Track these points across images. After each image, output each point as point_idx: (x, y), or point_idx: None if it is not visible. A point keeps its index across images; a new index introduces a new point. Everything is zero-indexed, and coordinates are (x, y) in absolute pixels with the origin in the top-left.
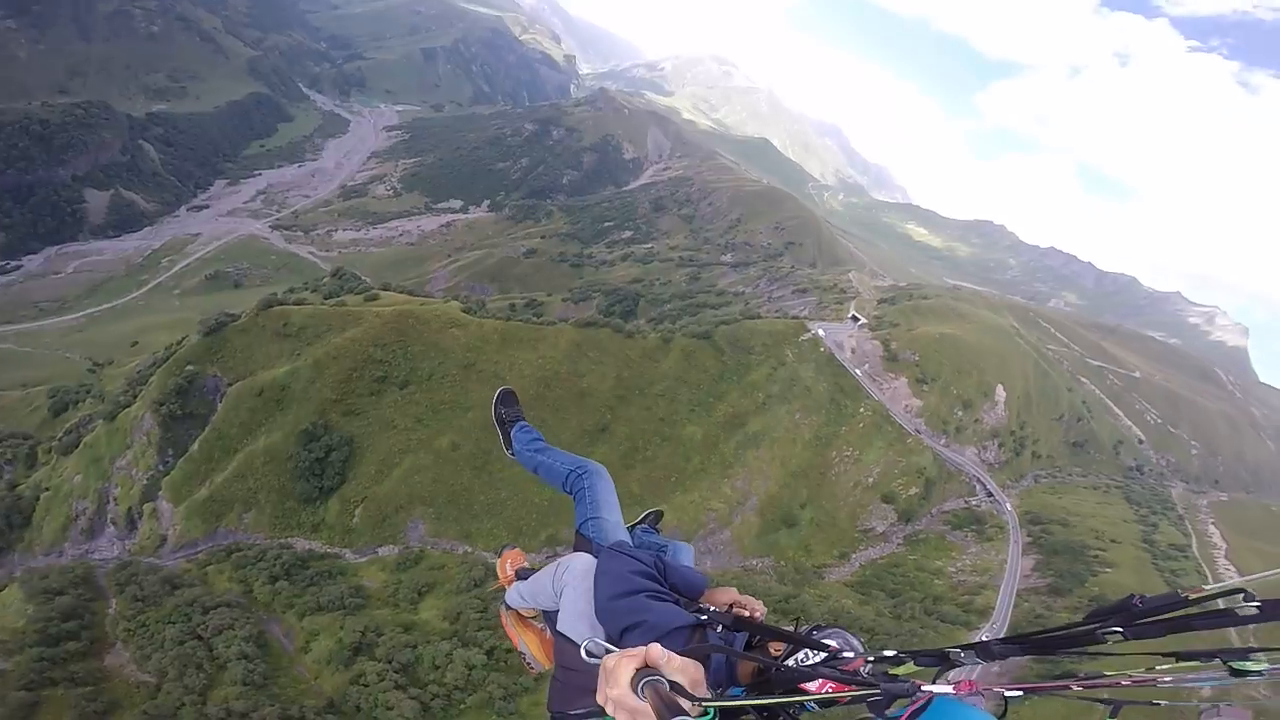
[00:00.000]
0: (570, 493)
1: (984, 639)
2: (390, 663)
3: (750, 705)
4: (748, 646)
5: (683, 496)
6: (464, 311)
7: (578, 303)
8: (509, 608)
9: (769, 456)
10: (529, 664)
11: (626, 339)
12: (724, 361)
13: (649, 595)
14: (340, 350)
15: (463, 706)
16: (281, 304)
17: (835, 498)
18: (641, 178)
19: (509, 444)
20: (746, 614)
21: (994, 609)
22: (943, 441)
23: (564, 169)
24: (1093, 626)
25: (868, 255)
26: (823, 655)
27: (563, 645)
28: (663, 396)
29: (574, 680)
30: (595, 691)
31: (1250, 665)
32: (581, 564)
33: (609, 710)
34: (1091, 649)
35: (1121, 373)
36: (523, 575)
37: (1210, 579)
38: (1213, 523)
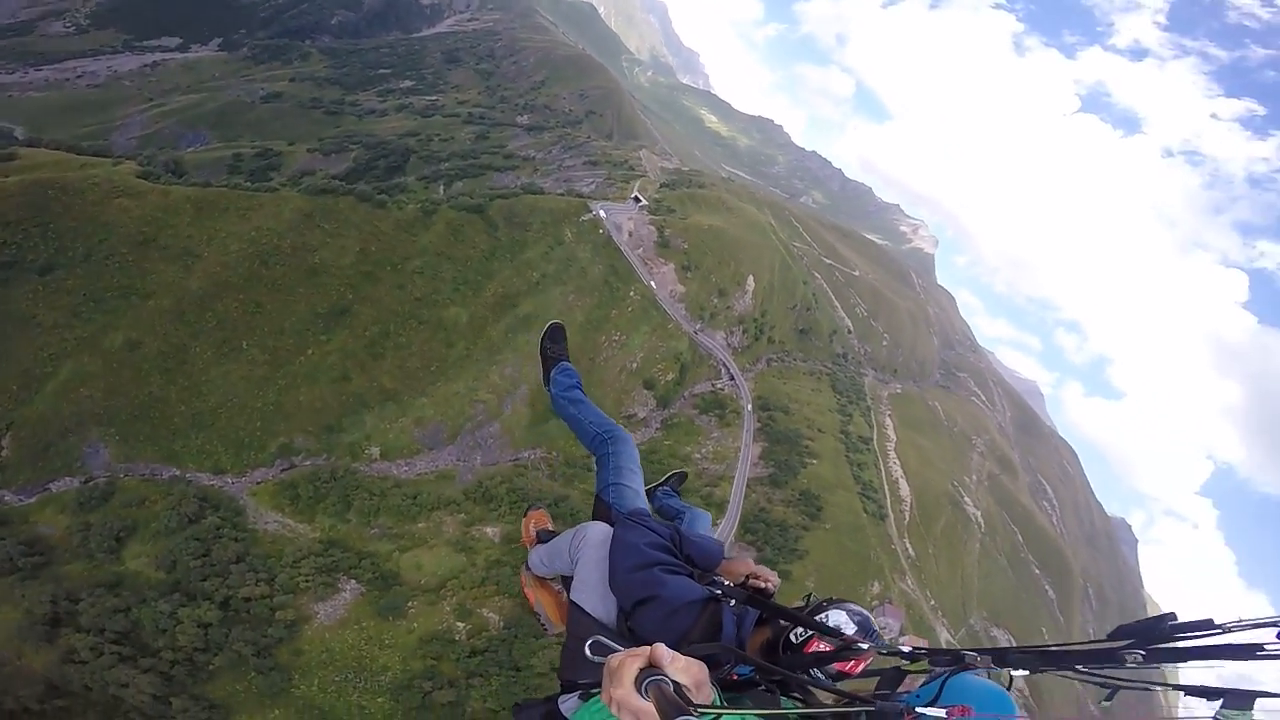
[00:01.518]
0: (594, 454)
1: (1003, 646)
2: (102, 633)
3: (753, 714)
4: (759, 619)
5: (446, 387)
6: (142, 176)
7: (328, 154)
8: (529, 568)
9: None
10: (543, 624)
11: (376, 209)
12: (497, 238)
13: (663, 568)
14: None
15: (211, 668)
16: None
17: (603, 384)
18: (439, 26)
19: (548, 381)
20: (762, 585)
21: (729, 502)
22: (698, 327)
23: (335, 8)
24: (1116, 647)
25: (661, 134)
26: (844, 618)
27: (575, 615)
28: (421, 274)
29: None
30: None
31: (1237, 716)
32: (597, 533)
33: (612, 710)
34: (1109, 669)
35: (845, 270)
36: (544, 537)
37: (883, 470)
38: (889, 414)
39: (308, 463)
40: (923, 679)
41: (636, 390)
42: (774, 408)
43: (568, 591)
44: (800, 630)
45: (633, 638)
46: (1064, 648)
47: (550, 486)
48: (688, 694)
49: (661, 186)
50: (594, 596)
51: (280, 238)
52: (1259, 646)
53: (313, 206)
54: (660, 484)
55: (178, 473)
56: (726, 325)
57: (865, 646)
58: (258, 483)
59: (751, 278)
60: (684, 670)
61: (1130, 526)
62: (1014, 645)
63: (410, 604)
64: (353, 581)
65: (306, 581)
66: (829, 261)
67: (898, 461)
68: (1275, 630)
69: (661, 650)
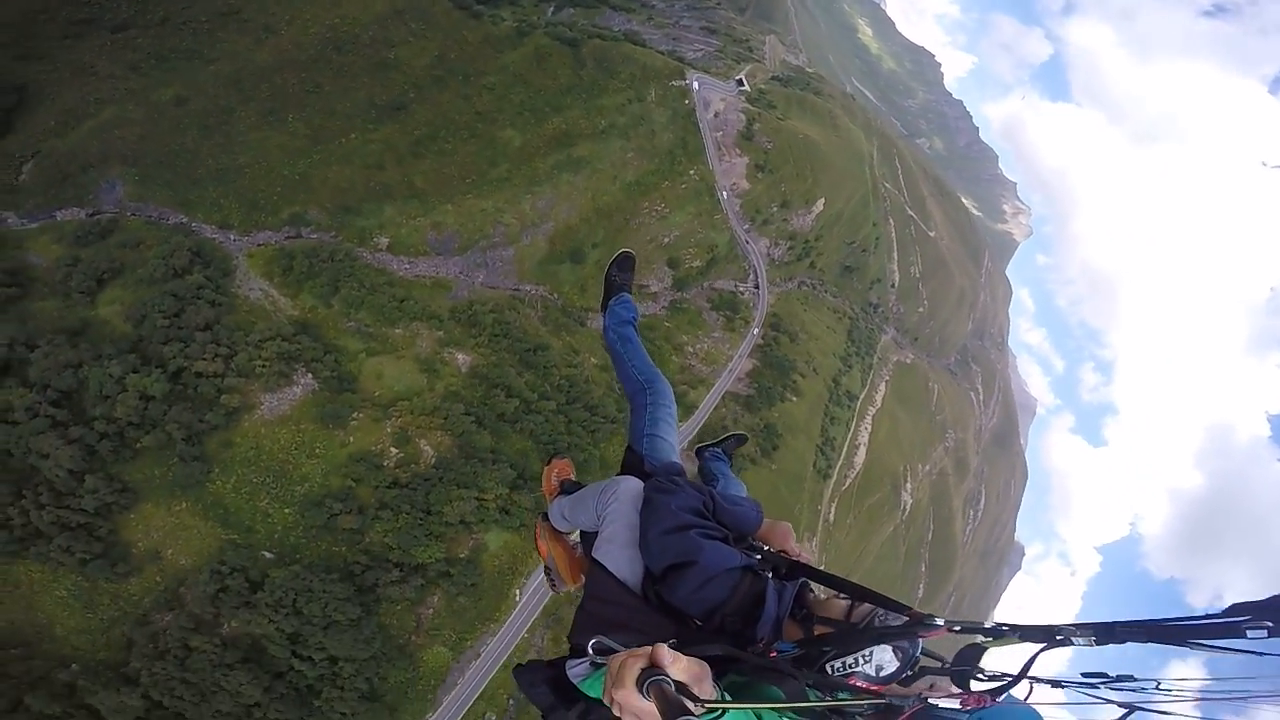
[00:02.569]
0: (631, 398)
1: (1109, 620)
2: (45, 390)
3: (754, 708)
4: (797, 599)
5: (474, 202)
6: None
7: None
8: (546, 519)
9: (584, 186)
10: (553, 581)
11: (469, 18)
12: (580, 76)
13: (699, 532)
14: None
15: (138, 446)
16: None
17: (629, 246)
18: None
19: (605, 308)
20: (800, 558)
21: (697, 409)
22: (746, 228)
23: None
24: (1236, 621)
25: (800, 27)
26: (904, 619)
27: (597, 575)
28: (490, 91)
29: (604, 613)
30: (625, 628)
31: None
32: (630, 489)
33: (614, 710)
34: (1225, 642)
35: (921, 228)
36: (567, 489)
37: (851, 432)
38: (886, 380)
39: (314, 235)
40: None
41: (659, 264)
42: (783, 330)
43: (584, 548)
44: (840, 663)
45: (659, 604)
46: (1178, 622)
47: (537, 331)
48: (690, 692)
49: (773, 79)
50: (621, 556)
51: (363, 29)
52: None
53: (406, 3)
54: (716, 443)
55: (185, 220)
56: (775, 236)
57: (940, 623)
58: (258, 244)
59: (823, 201)
60: (685, 670)
61: (1024, 554)
62: (1119, 620)
63: (355, 415)
64: (309, 376)
65: (264, 366)
66: (910, 213)
67: (868, 428)
68: None
69: (663, 650)
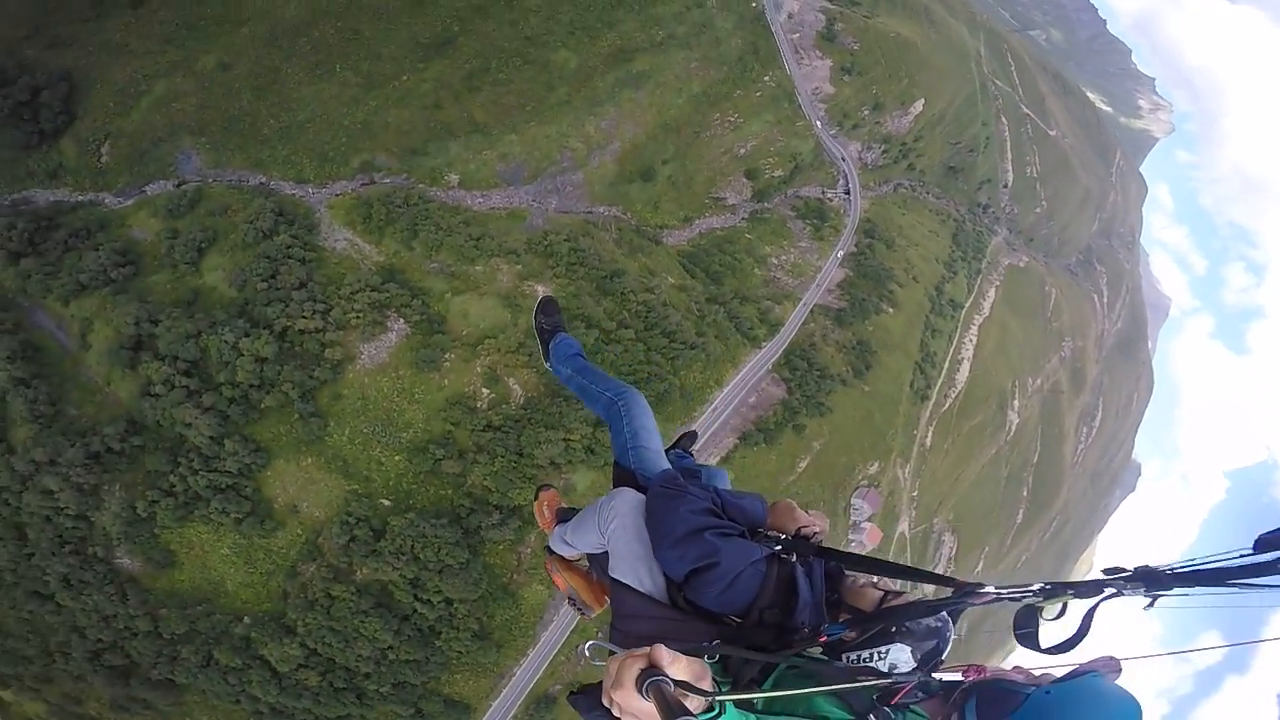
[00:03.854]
0: (608, 420)
1: (1153, 566)
2: (175, 361)
3: (752, 697)
4: (829, 582)
5: (537, 129)
6: None
7: None
8: (552, 551)
9: (647, 102)
10: (581, 610)
11: None
12: None
13: (714, 532)
14: None
15: (262, 407)
16: None
17: (700, 159)
18: None
19: (547, 356)
20: (814, 532)
21: (783, 325)
22: (833, 133)
23: None
24: (1271, 559)
25: None
26: (905, 656)
27: (619, 593)
28: (537, 13)
29: (638, 629)
30: (665, 638)
31: None
32: (629, 501)
33: (615, 711)
34: (1267, 580)
35: (1040, 126)
36: (563, 517)
37: (954, 346)
38: (997, 285)
39: (387, 180)
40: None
41: (735, 176)
42: (878, 237)
43: (597, 570)
44: (856, 655)
45: (691, 610)
46: (1216, 562)
47: (612, 255)
48: (690, 689)
49: None
50: (638, 569)
51: None
52: None
53: None
54: (670, 447)
55: (264, 179)
56: (867, 139)
57: (991, 591)
58: (336, 194)
59: (922, 101)
60: (685, 670)
61: (1140, 474)
62: (1164, 567)
63: (447, 356)
64: (401, 321)
65: (358, 317)
66: (1026, 110)
67: (975, 339)
68: None
69: (662, 651)
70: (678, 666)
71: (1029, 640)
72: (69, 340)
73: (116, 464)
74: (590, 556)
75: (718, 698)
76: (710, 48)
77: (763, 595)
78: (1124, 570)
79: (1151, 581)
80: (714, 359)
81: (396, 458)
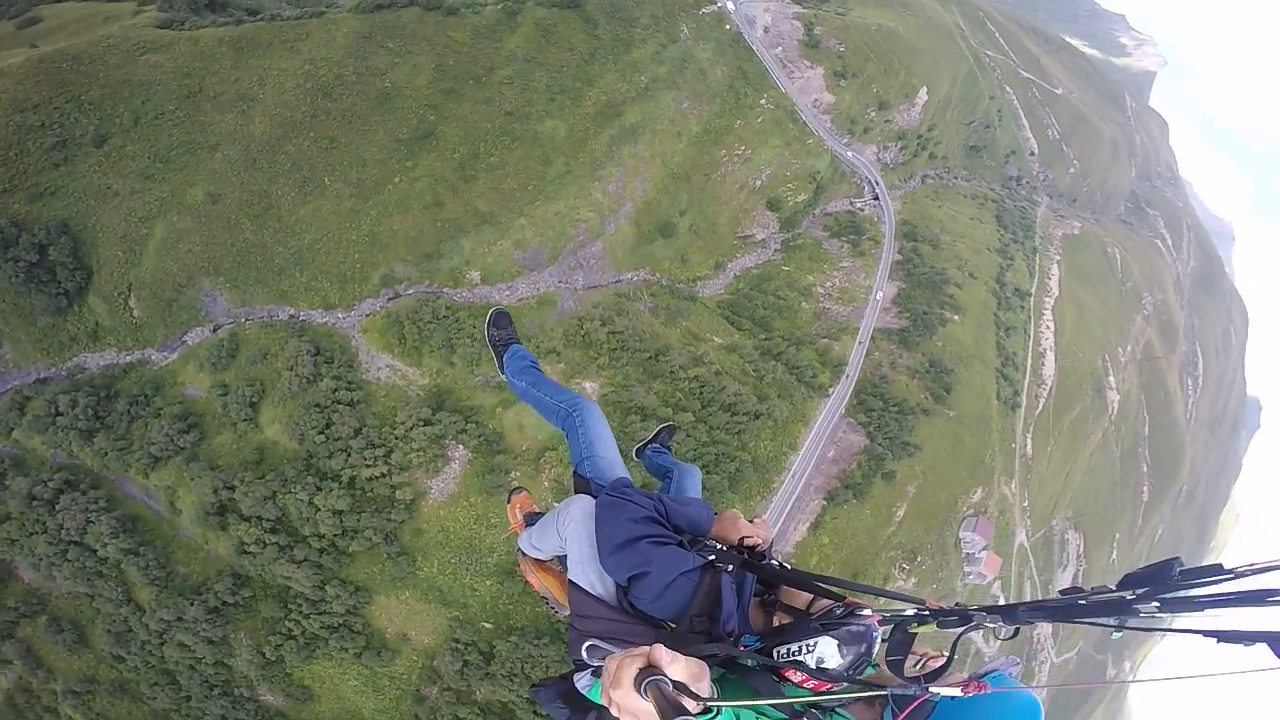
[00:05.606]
0: (563, 430)
1: (1011, 603)
2: (261, 522)
3: (751, 706)
4: (769, 586)
5: (545, 207)
6: (162, 26)
7: None
8: (524, 554)
9: (648, 154)
10: (554, 608)
11: (446, 17)
12: (597, 37)
13: (650, 541)
14: None
15: (350, 552)
16: None
17: (718, 201)
18: None
19: (502, 368)
20: (756, 543)
21: (847, 362)
22: (845, 141)
23: None
24: (1126, 596)
25: None
26: (832, 649)
27: (575, 594)
28: (510, 85)
29: (591, 629)
30: (613, 639)
31: None
32: (580, 508)
33: (612, 711)
34: (1121, 619)
35: (1045, 87)
36: (531, 520)
37: (1032, 337)
38: (1057, 260)
39: (411, 291)
40: (955, 671)
41: (757, 210)
42: (921, 238)
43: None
44: (801, 644)
45: (635, 613)
46: (1074, 600)
47: (651, 328)
48: (689, 691)
49: None
50: (590, 574)
51: (340, 66)
52: (1271, 592)
53: (370, 26)
54: (650, 441)
55: (293, 312)
56: (882, 140)
57: (868, 614)
58: (366, 315)
59: (925, 89)
60: (684, 670)
61: (1261, 409)
62: (1022, 601)
63: (512, 476)
64: (460, 448)
65: (419, 455)
66: (1027, 75)
67: (1051, 324)
68: None
69: (661, 651)
70: (676, 667)
71: (896, 666)
72: (161, 506)
73: (235, 615)
74: (559, 557)
75: (717, 703)
76: (697, 82)
77: (694, 604)
78: (991, 605)
79: (1008, 615)
80: (782, 422)
81: (488, 582)
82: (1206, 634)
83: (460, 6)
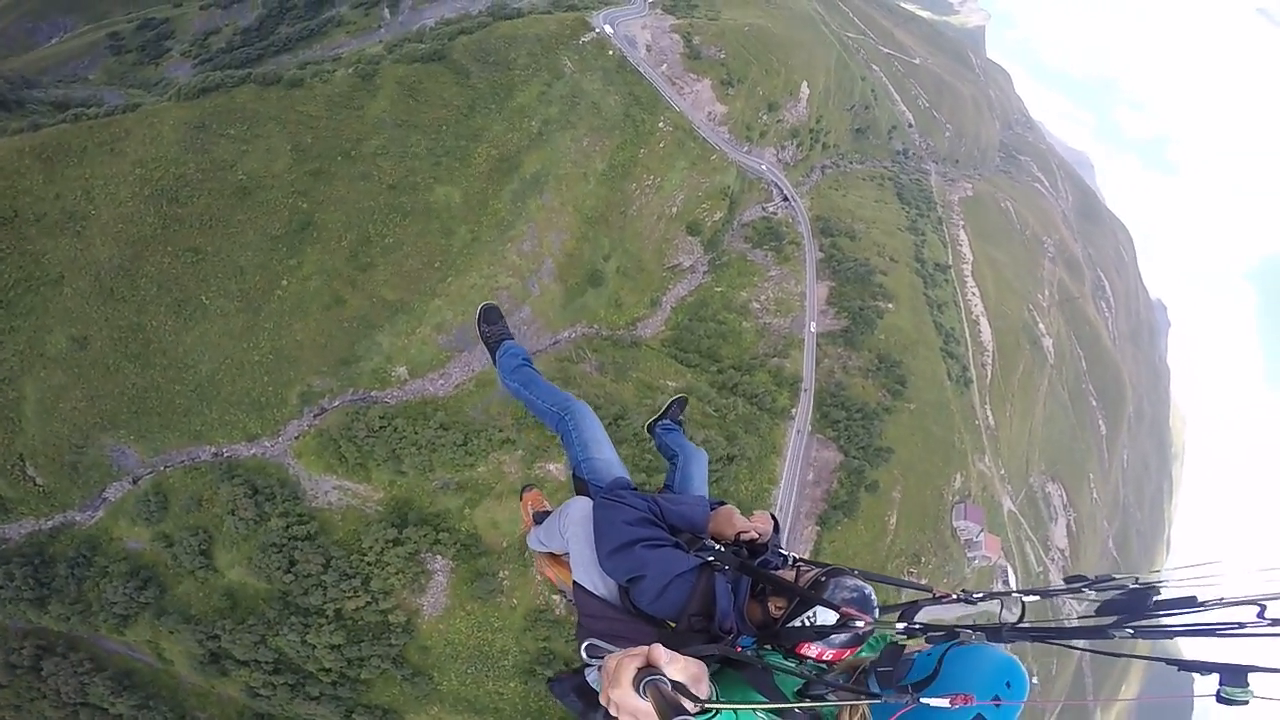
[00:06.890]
0: (558, 432)
1: (996, 624)
2: (260, 665)
3: (749, 708)
4: (754, 588)
5: (459, 282)
6: None
7: (228, 5)
8: (535, 551)
9: (557, 203)
10: (572, 601)
11: (290, 90)
12: (473, 87)
13: (645, 544)
14: None
15: (363, 679)
16: None
17: (639, 237)
18: None
19: (497, 365)
20: (753, 537)
21: (801, 379)
22: (745, 149)
23: None
24: (1104, 624)
25: None
26: (833, 618)
27: (580, 595)
28: (385, 155)
29: (595, 627)
30: (616, 637)
31: (1238, 694)
32: (579, 510)
33: (611, 710)
34: (1099, 644)
35: (904, 59)
36: (539, 519)
37: (962, 307)
38: (962, 225)
39: (337, 403)
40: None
41: (679, 237)
42: (837, 231)
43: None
44: (801, 618)
45: (638, 613)
46: (1056, 626)
47: (602, 387)
48: (687, 692)
49: None
50: (592, 574)
51: (178, 165)
52: (1241, 625)
53: (200, 114)
54: (660, 417)
55: (214, 449)
56: (777, 140)
57: (861, 625)
58: (295, 437)
59: (806, 84)
60: (682, 670)
61: (1166, 309)
62: (1007, 623)
63: (502, 576)
64: (439, 558)
65: (399, 578)
66: (887, 51)
67: (976, 289)
68: (1256, 610)
69: (659, 650)
70: (675, 667)
71: (885, 679)
72: (150, 658)
73: None
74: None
75: (715, 704)
76: (593, 116)
77: (691, 603)
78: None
79: (993, 635)
80: (756, 459)
81: (511, 684)
82: (1168, 662)
83: (305, 77)
